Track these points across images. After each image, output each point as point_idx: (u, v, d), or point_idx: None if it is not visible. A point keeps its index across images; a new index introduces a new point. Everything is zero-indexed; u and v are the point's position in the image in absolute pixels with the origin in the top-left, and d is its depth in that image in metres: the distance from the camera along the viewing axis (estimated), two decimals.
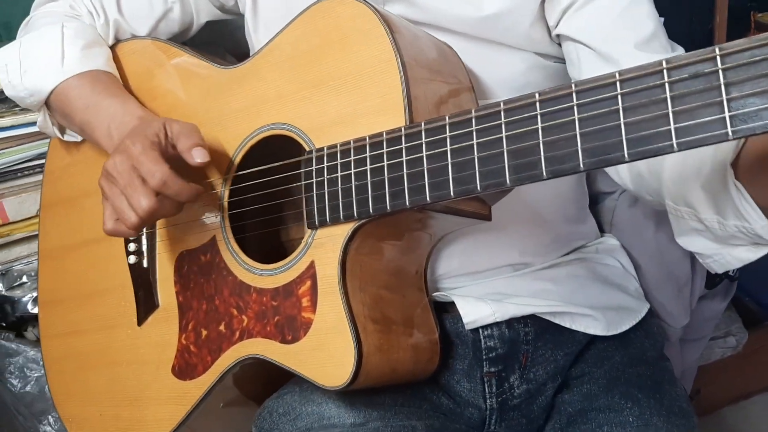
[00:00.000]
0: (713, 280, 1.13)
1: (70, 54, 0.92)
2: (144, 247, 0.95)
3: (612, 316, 0.91)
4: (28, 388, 1.24)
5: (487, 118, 0.63)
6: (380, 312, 0.78)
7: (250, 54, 1.05)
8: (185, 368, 0.88)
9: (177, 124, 0.81)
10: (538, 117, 0.60)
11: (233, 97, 0.88)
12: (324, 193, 0.76)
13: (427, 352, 0.83)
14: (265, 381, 0.93)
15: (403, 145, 0.69)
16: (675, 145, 0.52)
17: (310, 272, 0.78)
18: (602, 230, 1.06)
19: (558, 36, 0.85)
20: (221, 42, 1.36)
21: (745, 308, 1.60)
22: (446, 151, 0.66)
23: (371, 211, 0.72)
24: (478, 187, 0.64)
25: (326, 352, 0.75)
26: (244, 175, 0.86)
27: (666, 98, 0.52)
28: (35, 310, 1.26)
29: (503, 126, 0.62)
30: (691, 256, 1.06)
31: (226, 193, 0.87)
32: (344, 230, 0.75)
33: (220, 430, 1.02)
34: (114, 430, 0.96)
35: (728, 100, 0.50)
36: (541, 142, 0.59)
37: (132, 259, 0.96)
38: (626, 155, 0.54)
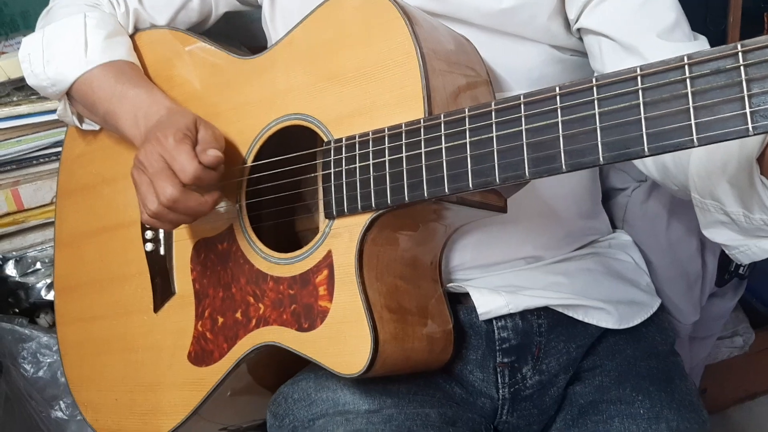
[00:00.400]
0: (723, 277, 1.13)
1: (93, 44, 0.93)
2: (161, 235, 0.96)
3: (624, 310, 0.92)
4: (40, 374, 1.25)
5: (506, 110, 0.64)
6: (396, 301, 0.79)
7: (267, 45, 1.07)
8: (201, 355, 0.89)
9: (204, 128, 0.82)
10: (558, 110, 0.60)
11: (252, 88, 0.89)
12: (342, 183, 0.77)
13: (441, 342, 0.84)
14: (277, 369, 0.94)
15: (422, 137, 0.70)
16: (695, 140, 0.53)
17: (327, 261, 0.79)
18: (614, 226, 1.07)
19: (578, 30, 0.86)
20: (236, 34, 1.37)
21: (752, 309, 1.61)
22: (465, 143, 0.67)
23: (389, 201, 0.73)
24: (497, 180, 0.64)
25: (342, 341, 0.76)
26: (261, 165, 0.87)
27: (687, 93, 0.53)
28: (49, 297, 1.28)
29: (523, 119, 0.63)
30: (702, 254, 1.07)
31: (244, 183, 0.88)
32: (362, 220, 0.76)
33: (229, 418, 1.03)
34: (129, 415, 0.98)
35: (749, 96, 0.51)
36: (561, 135, 0.60)
37: (149, 246, 0.97)
38: (646, 149, 0.55)
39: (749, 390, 1.70)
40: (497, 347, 0.87)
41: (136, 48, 1.00)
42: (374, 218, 0.76)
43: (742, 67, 0.51)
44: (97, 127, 1.02)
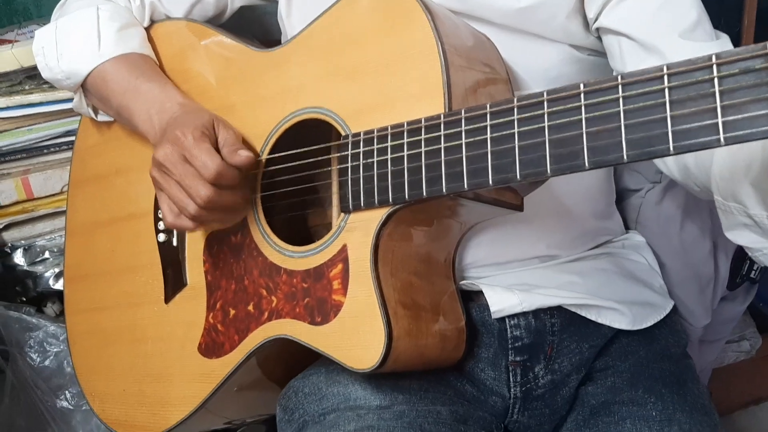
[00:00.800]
0: (735, 281, 1.13)
1: (105, 37, 0.93)
2: None
3: (638, 311, 0.91)
4: (47, 363, 1.25)
5: (529, 107, 0.63)
6: (410, 297, 0.79)
7: (282, 39, 1.07)
8: (212, 347, 0.89)
9: (224, 129, 0.82)
10: (582, 108, 0.60)
11: (269, 80, 0.88)
12: (359, 177, 0.77)
13: (454, 339, 0.84)
14: (287, 363, 0.94)
15: (442, 132, 0.70)
16: (722, 139, 0.52)
17: (342, 255, 0.78)
18: (627, 227, 1.07)
19: (597, 29, 0.86)
20: (248, 27, 1.37)
21: (759, 313, 1.60)
22: (486, 139, 0.66)
23: (407, 196, 0.72)
24: (518, 176, 0.64)
25: (356, 335, 0.76)
26: (277, 158, 0.87)
27: (714, 92, 0.53)
28: (57, 286, 1.28)
29: (546, 116, 0.62)
30: (715, 257, 1.06)
31: (259, 176, 0.87)
32: (378, 215, 0.76)
33: (235, 412, 1.03)
34: (137, 406, 0.98)
35: None
36: (584, 132, 0.60)
37: (161, 237, 0.96)
38: (671, 148, 0.55)
39: (755, 395, 1.70)
40: (510, 346, 0.87)
41: (151, 40, 1.00)
42: (391, 213, 0.75)
43: None
44: (112, 119, 1.02)
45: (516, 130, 0.64)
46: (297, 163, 0.84)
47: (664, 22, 0.80)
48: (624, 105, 0.57)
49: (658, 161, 0.82)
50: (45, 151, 1.25)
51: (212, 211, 0.80)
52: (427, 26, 0.74)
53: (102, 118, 1.03)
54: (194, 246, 0.94)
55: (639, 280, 0.97)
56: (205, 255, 0.92)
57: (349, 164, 0.78)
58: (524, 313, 0.87)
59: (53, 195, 1.26)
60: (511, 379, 0.88)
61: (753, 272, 1.14)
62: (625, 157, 0.57)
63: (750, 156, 0.64)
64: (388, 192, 0.74)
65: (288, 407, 0.87)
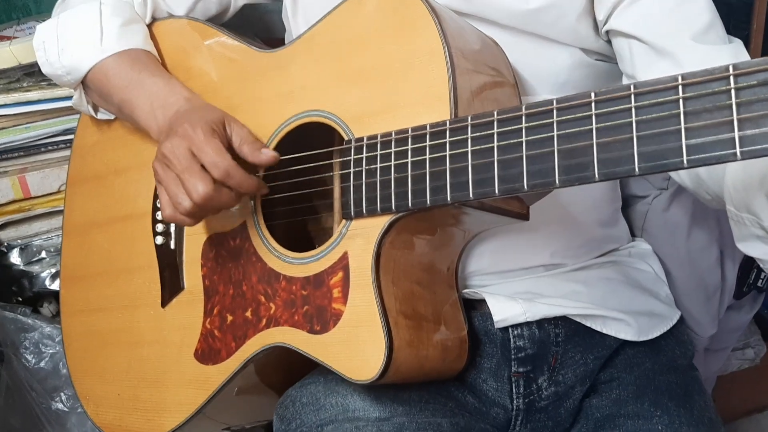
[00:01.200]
0: (741, 290, 1.11)
1: (108, 32, 0.91)
2: (172, 228, 0.94)
3: (644, 322, 0.90)
4: (42, 364, 1.23)
5: (538, 115, 0.62)
6: (412, 307, 0.77)
7: (285, 38, 1.05)
8: (208, 353, 0.88)
9: (237, 126, 0.81)
10: (593, 117, 0.58)
11: (271, 82, 0.87)
12: (362, 184, 0.75)
13: (456, 350, 0.82)
14: (285, 371, 0.92)
15: (447, 140, 0.68)
16: (738, 153, 0.51)
17: (343, 263, 0.77)
18: (633, 234, 1.05)
19: (607, 32, 0.84)
20: (250, 26, 1.36)
21: (764, 321, 1.59)
22: (493, 147, 0.65)
23: (410, 204, 0.71)
24: (525, 186, 0.62)
25: (356, 345, 0.75)
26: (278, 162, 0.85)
27: (731, 104, 0.51)
28: (53, 286, 1.26)
29: (555, 124, 0.60)
30: (722, 265, 1.05)
31: (259, 179, 0.85)
32: (380, 223, 0.74)
33: (233, 418, 1.01)
34: (132, 410, 0.96)
35: None
36: (594, 143, 0.58)
37: (159, 239, 0.95)
38: (685, 162, 0.53)
39: (758, 402, 1.69)
40: (513, 356, 0.86)
41: (153, 37, 0.98)
42: (393, 221, 0.74)
43: None
44: (112, 117, 1.00)
45: (524, 138, 0.62)
46: (298, 167, 0.83)
47: (677, 25, 0.78)
48: (636, 115, 0.56)
49: None
50: (43, 149, 1.24)
51: (204, 209, 0.78)
52: (433, 29, 0.72)
53: (102, 116, 1.01)
54: (192, 249, 0.92)
55: (645, 289, 0.95)
56: (203, 259, 0.90)
57: (352, 170, 0.76)
58: (528, 323, 0.85)
59: (50, 194, 1.24)
60: (514, 391, 0.86)
61: (760, 281, 1.12)
62: (636, 169, 0.55)
63: (765, 167, 0.62)
64: (391, 200, 0.72)
65: (285, 417, 0.85)
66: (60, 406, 1.23)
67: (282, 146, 0.85)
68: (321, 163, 0.82)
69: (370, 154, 0.74)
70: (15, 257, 1.26)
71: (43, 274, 1.27)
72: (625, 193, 1.06)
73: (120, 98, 0.90)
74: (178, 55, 0.97)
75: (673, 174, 0.81)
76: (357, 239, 0.76)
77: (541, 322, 0.85)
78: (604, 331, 0.87)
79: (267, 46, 0.91)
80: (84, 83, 0.95)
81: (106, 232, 1.02)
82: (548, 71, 0.86)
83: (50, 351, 1.23)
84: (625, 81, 0.85)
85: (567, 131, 0.60)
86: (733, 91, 0.51)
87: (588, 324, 0.87)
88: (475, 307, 0.87)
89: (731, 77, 0.51)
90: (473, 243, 0.87)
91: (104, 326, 1.01)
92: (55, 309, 1.29)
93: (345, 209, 0.77)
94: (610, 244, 0.98)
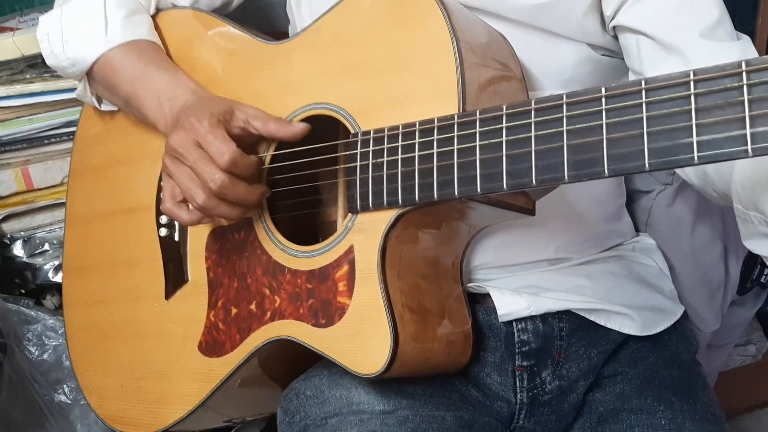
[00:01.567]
0: (745, 286, 1.12)
1: (113, 23, 0.91)
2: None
3: (648, 317, 0.90)
4: (45, 356, 1.23)
5: (547, 110, 0.61)
6: (417, 301, 0.77)
7: (290, 30, 1.05)
8: (212, 345, 0.88)
9: (246, 108, 0.80)
10: (603, 112, 0.58)
11: (278, 74, 0.86)
12: (368, 177, 0.75)
13: (460, 344, 0.82)
14: (289, 364, 0.92)
15: (455, 134, 0.68)
16: (750, 150, 0.50)
17: (349, 257, 0.77)
18: (637, 229, 1.05)
19: (614, 28, 0.83)
20: (253, 17, 1.35)
21: (766, 318, 1.59)
22: (501, 142, 0.64)
23: (417, 198, 0.71)
24: (534, 181, 0.62)
25: (361, 339, 0.74)
26: (282, 154, 0.85)
27: (744, 101, 0.51)
28: (56, 279, 1.26)
29: (565, 120, 0.60)
30: (726, 261, 1.05)
31: (265, 172, 0.85)
32: (386, 217, 0.74)
33: (235, 411, 1.01)
34: (135, 403, 0.96)
35: None
36: (604, 138, 0.58)
37: (163, 231, 0.95)
38: (696, 158, 0.53)
39: (760, 399, 1.69)
40: (517, 350, 0.86)
41: (157, 28, 0.97)
42: (400, 215, 0.73)
43: None
44: (116, 108, 1.00)
45: (533, 133, 0.62)
46: (304, 160, 0.83)
47: (685, 21, 0.78)
48: (647, 111, 0.55)
49: None
50: (46, 141, 1.24)
51: (221, 203, 0.77)
52: (442, 22, 0.72)
53: (106, 107, 1.00)
54: (196, 242, 0.92)
55: (649, 284, 0.95)
56: (208, 251, 0.90)
57: (358, 163, 0.76)
58: (532, 317, 0.85)
59: (53, 186, 1.24)
60: (518, 384, 0.86)
61: (763, 277, 1.12)
62: (647, 165, 0.55)
63: None
64: (397, 194, 0.72)
65: (289, 410, 0.85)
66: (62, 398, 1.23)
67: None
68: (327, 156, 0.82)
69: (377, 147, 0.74)
70: (18, 249, 1.26)
71: (46, 266, 1.27)
72: (630, 189, 1.06)
73: (127, 91, 0.89)
74: (182, 46, 0.97)
75: (679, 171, 0.81)
76: (363, 233, 0.76)
77: (545, 317, 0.85)
78: (608, 326, 0.87)
79: (267, 38, 0.91)
80: (89, 75, 0.95)
81: (109, 223, 1.02)
82: (556, 66, 0.85)
83: (53, 343, 1.23)
84: (631, 77, 0.85)
85: (577, 126, 0.59)
86: (745, 88, 0.51)
87: (592, 318, 0.87)
88: (479, 301, 0.87)
89: (744, 74, 0.51)
90: (478, 237, 0.86)
91: (107, 318, 1.01)
92: (58, 301, 1.29)
93: (351, 203, 0.76)
94: (615, 239, 0.98)
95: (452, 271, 0.84)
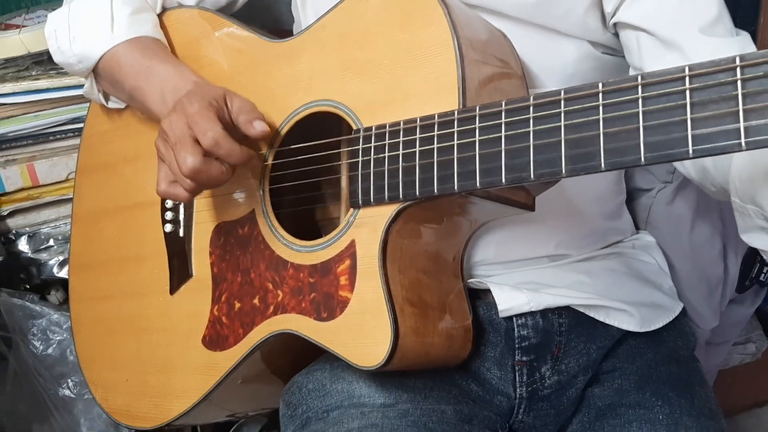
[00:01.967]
0: (744, 284, 1.12)
1: (119, 20, 0.92)
2: (181, 216, 0.95)
3: (646, 313, 0.90)
4: (49, 351, 1.24)
5: (545, 106, 0.62)
6: (417, 295, 0.78)
7: (294, 28, 1.06)
8: (216, 339, 0.89)
9: (238, 98, 0.80)
10: (600, 108, 0.59)
11: (281, 71, 0.87)
12: (369, 172, 0.76)
13: (460, 338, 0.83)
14: (292, 358, 0.93)
15: (455, 129, 0.69)
16: (743, 144, 0.51)
17: (350, 251, 0.78)
18: (637, 227, 1.06)
19: (615, 24, 0.84)
20: (257, 16, 1.36)
21: (766, 316, 1.59)
22: (500, 137, 0.65)
23: (417, 193, 0.72)
24: (532, 176, 0.63)
25: (362, 332, 0.75)
26: (286, 151, 0.86)
27: (737, 95, 0.52)
28: (61, 274, 1.27)
29: (562, 114, 0.61)
30: (725, 259, 1.05)
31: (268, 168, 0.86)
32: (388, 211, 0.75)
33: (238, 405, 1.02)
34: (140, 396, 0.97)
35: None
36: (601, 133, 0.58)
37: (168, 227, 0.96)
38: (691, 152, 0.54)
39: (759, 397, 1.69)
40: (516, 345, 0.86)
41: (163, 27, 0.99)
42: (401, 210, 0.74)
43: None
44: (123, 105, 1.01)
45: (531, 128, 0.63)
46: (306, 156, 0.83)
47: (685, 18, 0.79)
48: (643, 106, 0.56)
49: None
50: (51, 137, 1.25)
51: (200, 183, 0.78)
52: (442, 19, 0.73)
53: (113, 104, 1.02)
54: (201, 237, 0.93)
55: (648, 281, 0.96)
56: (212, 247, 0.91)
57: (360, 159, 0.77)
58: (532, 313, 0.86)
59: (59, 182, 1.25)
60: (517, 379, 0.87)
61: (762, 275, 1.13)
62: (642, 159, 0.56)
63: None
64: (398, 188, 0.73)
65: (291, 403, 0.86)
66: (67, 392, 1.24)
67: (291, 135, 0.86)
68: (329, 152, 0.83)
69: (378, 143, 0.75)
70: (23, 245, 1.27)
71: (51, 262, 1.28)
72: (630, 186, 1.07)
73: (131, 85, 0.91)
74: (188, 45, 0.98)
75: (678, 165, 0.81)
76: (364, 228, 0.77)
77: (545, 312, 0.86)
78: (607, 322, 0.88)
79: (276, 37, 0.92)
80: (95, 71, 0.96)
81: (115, 220, 1.03)
82: (556, 64, 0.86)
83: (57, 338, 1.25)
84: (632, 74, 0.86)
85: (574, 121, 0.60)
86: (739, 82, 0.52)
87: (591, 314, 0.88)
88: (479, 297, 0.88)
89: (738, 68, 0.52)
90: (479, 233, 0.87)
91: (113, 313, 1.02)
92: (63, 296, 1.30)
93: (352, 198, 0.77)
94: (615, 236, 0.99)
95: (453, 266, 0.85)
